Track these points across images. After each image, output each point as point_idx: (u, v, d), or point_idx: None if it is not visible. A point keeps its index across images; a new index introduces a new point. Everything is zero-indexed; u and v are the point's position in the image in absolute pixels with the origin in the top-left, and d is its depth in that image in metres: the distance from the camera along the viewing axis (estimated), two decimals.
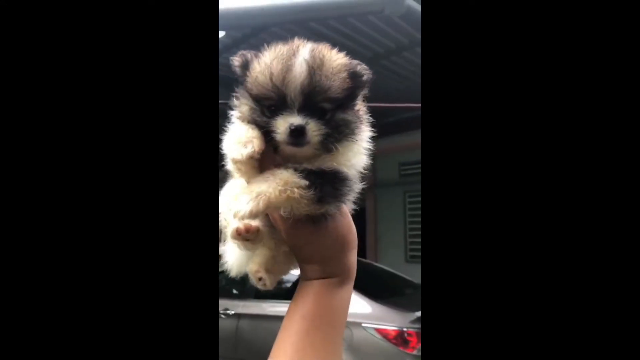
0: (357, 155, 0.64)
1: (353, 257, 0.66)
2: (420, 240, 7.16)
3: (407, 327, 3.56)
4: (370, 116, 0.69)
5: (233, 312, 4.57)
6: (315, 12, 3.43)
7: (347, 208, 0.67)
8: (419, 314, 3.67)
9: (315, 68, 0.58)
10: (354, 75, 0.62)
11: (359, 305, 3.67)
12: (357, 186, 0.63)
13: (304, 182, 0.56)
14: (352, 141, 0.62)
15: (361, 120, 0.65)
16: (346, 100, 0.61)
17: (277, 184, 0.56)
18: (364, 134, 0.66)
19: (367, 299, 3.75)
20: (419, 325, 3.57)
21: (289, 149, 0.60)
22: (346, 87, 0.60)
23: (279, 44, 0.64)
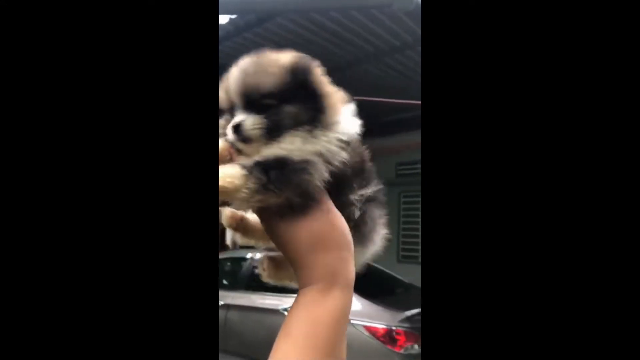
0: (311, 143, 0.60)
1: (338, 259, 0.58)
2: (412, 240, 7.56)
3: (395, 326, 3.58)
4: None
5: (222, 303, 4.57)
6: (319, 3, 3.40)
7: (363, 210, 0.65)
8: (408, 313, 3.69)
9: (245, 69, 0.63)
10: (295, 69, 0.62)
11: None
12: (318, 174, 0.59)
13: (239, 172, 0.57)
14: (304, 131, 0.61)
15: (323, 111, 0.62)
16: (293, 94, 0.62)
17: (224, 175, 0.57)
18: (331, 125, 0.63)
19: (357, 296, 3.76)
20: (407, 325, 3.60)
21: (239, 146, 0.63)
22: (285, 81, 0.62)
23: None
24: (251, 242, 0.71)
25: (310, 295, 0.56)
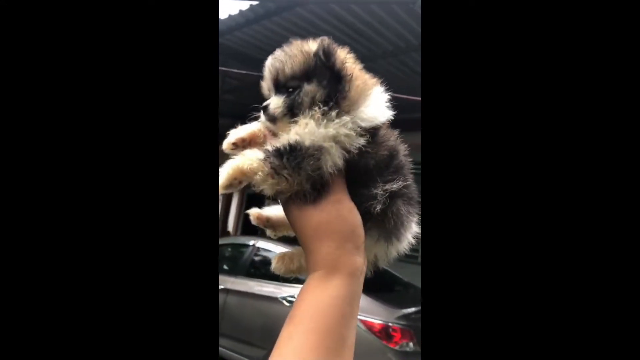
0: (324, 127, 0.60)
1: (340, 249, 0.58)
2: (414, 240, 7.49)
3: (392, 323, 3.60)
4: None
5: (222, 287, 4.62)
6: None
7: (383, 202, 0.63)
8: (405, 311, 3.71)
9: (275, 56, 0.67)
10: (318, 52, 0.65)
11: None
12: (330, 160, 0.59)
13: (257, 157, 0.60)
14: (319, 112, 0.61)
15: (342, 93, 0.62)
16: (315, 74, 0.64)
17: (237, 159, 0.60)
18: (351, 109, 0.62)
19: None
20: (404, 322, 3.61)
21: (269, 126, 0.67)
22: (309, 64, 0.64)
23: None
24: (283, 233, 0.74)
25: (313, 281, 0.58)
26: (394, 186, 0.63)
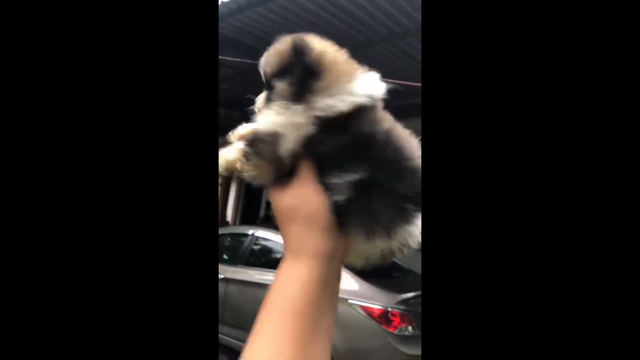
0: (280, 115, 0.62)
1: (304, 232, 0.59)
2: None
3: (391, 308, 3.65)
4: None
5: (222, 277, 4.65)
6: None
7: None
8: (404, 295, 3.75)
9: (265, 55, 0.71)
10: (292, 50, 0.67)
11: (347, 282, 3.74)
12: (284, 144, 0.61)
13: (237, 147, 0.64)
14: (281, 105, 0.64)
15: (310, 88, 0.62)
16: (288, 72, 0.66)
17: (226, 150, 0.65)
18: (315, 99, 0.62)
19: (355, 277, 3.82)
20: (403, 307, 3.66)
21: None
22: (285, 61, 0.67)
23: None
24: None
25: (283, 265, 0.60)
26: (356, 176, 0.60)
